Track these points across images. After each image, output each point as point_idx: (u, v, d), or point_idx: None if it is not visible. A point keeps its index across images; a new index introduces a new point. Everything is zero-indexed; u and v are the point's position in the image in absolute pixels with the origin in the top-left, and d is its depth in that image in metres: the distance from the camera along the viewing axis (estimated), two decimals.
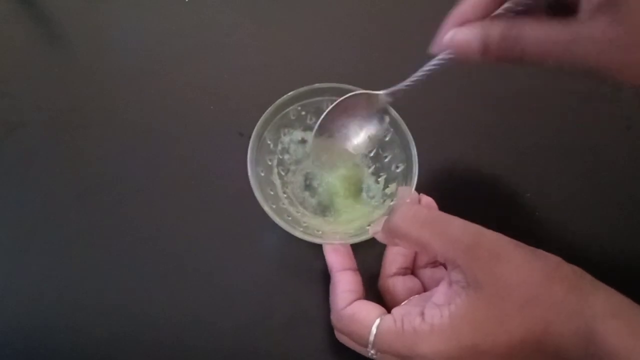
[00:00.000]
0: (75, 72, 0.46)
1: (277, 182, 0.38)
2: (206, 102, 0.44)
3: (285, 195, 0.37)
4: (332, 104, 0.34)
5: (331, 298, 0.31)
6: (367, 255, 0.35)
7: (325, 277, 0.35)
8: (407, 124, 0.35)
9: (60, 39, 0.48)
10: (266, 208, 0.32)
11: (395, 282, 0.31)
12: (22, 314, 0.35)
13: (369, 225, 0.33)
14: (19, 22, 0.48)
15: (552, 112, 0.45)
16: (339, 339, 0.31)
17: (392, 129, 0.36)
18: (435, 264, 0.33)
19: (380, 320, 0.26)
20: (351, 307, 0.29)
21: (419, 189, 0.34)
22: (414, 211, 0.27)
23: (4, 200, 0.39)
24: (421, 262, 0.33)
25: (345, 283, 0.31)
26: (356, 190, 0.38)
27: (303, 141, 0.39)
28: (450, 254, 0.25)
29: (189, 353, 0.34)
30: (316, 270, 0.36)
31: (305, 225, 0.34)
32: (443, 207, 0.31)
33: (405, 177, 0.34)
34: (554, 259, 0.25)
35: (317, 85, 0.36)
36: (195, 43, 0.47)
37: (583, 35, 0.22)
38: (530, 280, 0.24)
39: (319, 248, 0.35)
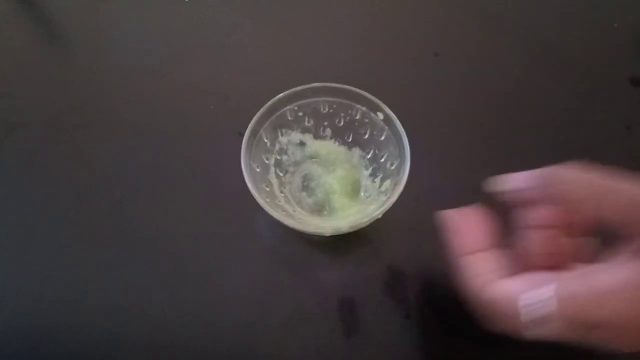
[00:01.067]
0: (75, 72, 0.46)
1: (275, 181, 0.38)
2: (206, 102, 0.44)
3: (282, 195, 0.38)
4: (328, 105, 0.34)
5: (464, 285, 0.25)
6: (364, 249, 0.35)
7: (325, 277, 0.36)
8: (403, 123, 0.35)
9: (60, 39, 0.48)
10: (260, 200, 0.32)
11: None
12: (22, 314, 0.35)
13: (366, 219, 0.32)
14: (19, 22, 0.48)
15: (552, 112, 0.45)
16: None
17: (387, 127, 0.36)
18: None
19: (558, 285, 0.21)
20: (489, 290, 0.23)
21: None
22: (576, 175, 0.23)
23: (4, 200, 0.39)
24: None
25: (475, 267, 0.25)
26: (354, 191, 0.38)
27: (302, 144, 0.39)
28: (628, 218, 0.21)
29: (189, 353, 0.34)
30: (316, 270, 0.36)
31: (300, 220, 0.34)
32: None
33: (399, 173, 0.34)
34: None
35: (313, 85, 0.36)
36: (195, 43, 0.47)
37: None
38: None
39: (318, 247, 0.35)
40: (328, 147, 0.39)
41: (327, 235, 0.33)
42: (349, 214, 0.37)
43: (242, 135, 0.34)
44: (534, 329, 0.21)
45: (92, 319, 0.35)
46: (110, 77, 0.46)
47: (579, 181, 0.23)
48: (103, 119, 0.43)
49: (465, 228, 0.27)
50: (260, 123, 0.35)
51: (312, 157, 0.40)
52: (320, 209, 0.38)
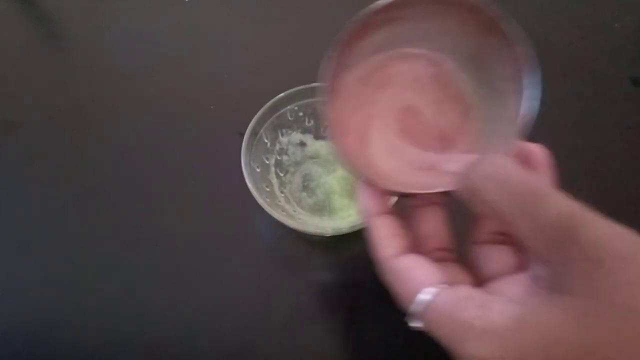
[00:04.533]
0: (75, 72, 0.46)
1: (275, 181, 0.38)
2: (206, 102, 0.44)
3: (282, 195, 0.38)
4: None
5: (373, 247, 0.24)
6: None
7: (325, 277, 0.35)
8: None
9: (60, 39, 0.48)
10: (260, 200, 0.32)
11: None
12: (22, 314, 0.35)
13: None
14: (19, 22, 0.48)
15: (552, 112, 0.45)
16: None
17: None
18: (498, 239, 0.24)
19: (434, 293, 0.20)
20: (404, 260, 0.22)
21: None
22: (504, 174, 0.19)
23: (4, 200, 0.39)
24: (481, 234, 0.24)
25: (386, 226, 0.24)
26: (354, 191, 0.38)
27: (302, 144, 0.39)
28: (534, 243, 0.18)
29: (189, 353, 0.34)
30: (316, 270, 0.36)
31: (300, 220, 0.34)
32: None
33: None
34: None
35: (313, 85, 0.36)
36: (195, 43, 0.47)
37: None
38: None
39: (318, 247, 0.35)
40: (328, 147, 0.39)
41: (327, 235, 0.33)
42: (349, 214, 0.37)
43: (242, 135, 0.34)
44: (412, 318, 0.21)
45: (92, 319, 0.35)
46: (110, 77, 0.46)
47: (498, 179, 0.19)
48: (103, 119, 0.43)
49: (374, 192, 0.25)
50: (260, 123, 0.35)
51: (312, 157, 0.40)
52: (320, 209, 0.38)
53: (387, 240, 0.23)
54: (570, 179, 0.44)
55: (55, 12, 0.49)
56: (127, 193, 0.40)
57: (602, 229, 0.17)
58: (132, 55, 0.47)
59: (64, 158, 0.41)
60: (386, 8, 0.24)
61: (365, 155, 0.25)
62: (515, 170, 0.19)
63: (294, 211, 0.37)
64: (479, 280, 0.23)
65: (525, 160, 0.24)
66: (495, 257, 0.23)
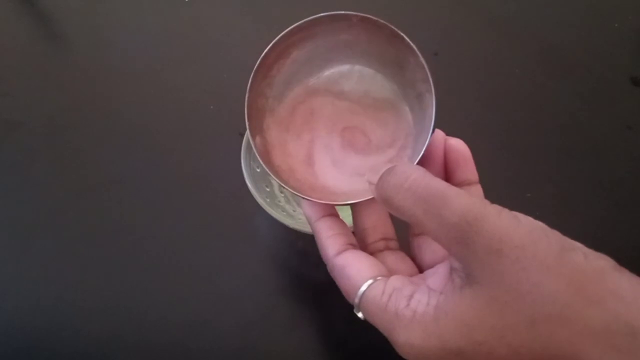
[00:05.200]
0: (75, 72, 0.46)
1: (274, 181, 0.38)
2: (206, 102, 0.44)
3: (282, 195, 0.37)
4: None
5: (319, 249, 0.26)
6: None
7: (325, 277, 0.35)
8: None
9: (60, 39, 0.48)
10: (260, 200, 0.32)
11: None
12: (22, 314, 0.35)
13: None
14: (19, 22, 0.48)
15: (552, 112, 0.45)
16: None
17: None
18: None
19: (369, 286, 0.23)
20: (344, 257, 0.25)
21: None
22: (411, 182, 0.21)
23: (4, 200, 0.39)
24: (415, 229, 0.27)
25: (327, 228, 0.26)
26: None
27: None
28: (444, 241, 0.20)
29: (189, 353, 0.34)
30: (315, 270, 0.36)
31: (300, 220, 0.34)
32: None
33: None
34: (596, 264, 0.19)
35: None
36: (195, 43, 0.47)
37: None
38: (550, 289, 0.18)
39: (317, 246, 0.35)
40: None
41: None
42: (349, 214, 0.37)
43: (242, 135, 0.34)
44: (356, 310, 0.24)
45: (92, 319, 0.35)
46: (110, 77, 0.46)
47: (405, 187, 0.21)
48: (103, 119, 0.43)
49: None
50: None
51: None
52: None
53: (329, 240, 0.26)
54: (570, 179, 0.44)
55: (55, 12, 0.49)
56: (127, 193, 0.40)
57: (500, 222, 0.19)
58: (132, 55, 0.47)
59: (64, 158, 0.41)
60: (292, 31, 0.28)
61: (311, 173, 0.29)
62: (419, 176, 0.21)
63: (294, 211, 0.37)
64: (419, 267, 0.26)
65: (447, 154, 0.27)
66: (428, 248, 0.26)
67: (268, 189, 0.36)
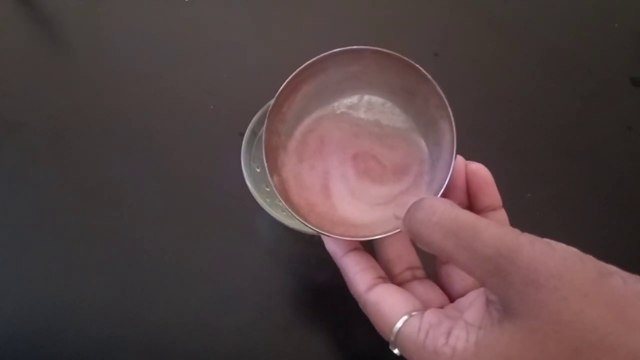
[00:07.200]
0: (75, 72, 0.46)
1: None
2: (206, 102, 0.44)
3: None
4: None
5: (348, 285, 0.26)
6: None
7: (324, 277, 0.35)
8: None
9: (60, 39, 0.48)
10: (260, 200, 0.32)
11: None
12: (22, 314, 0.35)
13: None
14: (19, 22, 0.48)
15: (552, 112, 0.45)
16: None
17: None
18: None
19: (405, 322, 0.22)
20: (375, 293, 0.24)
21: None
22: (439, 216, 0.21)
23: (4, 200, 0.39)
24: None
25: (354, 264, 0.26)
26: None
27: None
28: (477, 274, 0.20)
29: (188, 353, 0.34)
30: (315, 270, 0.36)
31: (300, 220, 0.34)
32: None
33: None
34: (635, 288, 0.18)
35: None
36: (195, 43, 0.47)
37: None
38: (591, 317, 0.17)
39: (318, 247, 0.35)
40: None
41: (327, 235, 0.33)
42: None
43: (242, 135, 0.34)
44: (392, 346, 0.23)
45: (92, 319, 0.35)
46: (110, 77, 0.46)
47: (433, 222, 0.21)
48: (103, 119, 0.43)
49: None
50: (260, 123, 0.35)
51: None
52: None
53: (357, 277, 0.25)
54: (569, 179, 0.44)
55: (55, 14, 0.49)
56: (127, 193, 0.40)
57: (534, 251, 0.19)
58: (132, 55, 0.47)
59: (64, 158, 0.41)
60: (305, 68, 0.28)
61: (330, 205, 0.28)
62: (447, 209, 0.21)
63: None
64: (449, 295, 0.26)
65: (469, 180, 0.27)
66: (457, 276, 0.26)
67: (268, 189, 0.36)
